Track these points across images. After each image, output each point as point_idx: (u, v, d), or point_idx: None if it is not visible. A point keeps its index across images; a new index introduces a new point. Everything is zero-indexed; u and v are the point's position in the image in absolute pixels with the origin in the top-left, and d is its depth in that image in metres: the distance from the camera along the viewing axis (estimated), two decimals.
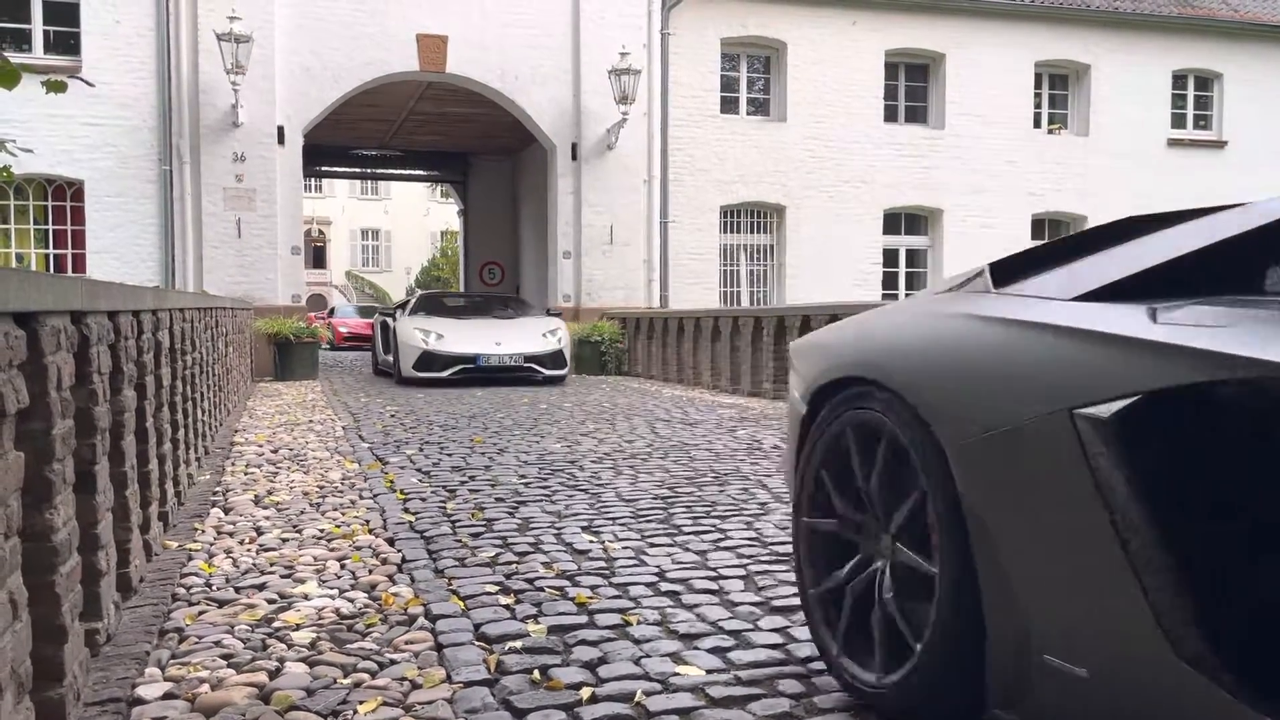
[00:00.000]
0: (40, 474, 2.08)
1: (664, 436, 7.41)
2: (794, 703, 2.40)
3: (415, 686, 2.51)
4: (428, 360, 12.54)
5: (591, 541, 4.02)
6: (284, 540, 4.11)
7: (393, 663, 2.67)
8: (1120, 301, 1.84)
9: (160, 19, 14.00)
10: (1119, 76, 19.05)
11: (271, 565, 3.70)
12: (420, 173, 27.15)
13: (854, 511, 2.39)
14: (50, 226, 14.36)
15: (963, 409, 2.00)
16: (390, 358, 13.89)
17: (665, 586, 3.37)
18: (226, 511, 4.69)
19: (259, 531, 4.27)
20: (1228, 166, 19.77)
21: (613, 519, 4.47)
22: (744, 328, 12.08)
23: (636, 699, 2.40)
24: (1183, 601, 1.55)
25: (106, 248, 14.10)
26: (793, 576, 3.48)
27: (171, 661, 2.67)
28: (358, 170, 27.53)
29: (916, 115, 18.60)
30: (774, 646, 2.78)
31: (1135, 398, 1.61)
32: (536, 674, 2.57)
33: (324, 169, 26.06)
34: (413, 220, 53.05)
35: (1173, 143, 19.61)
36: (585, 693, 2.44)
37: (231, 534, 4.22)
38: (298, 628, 2.96)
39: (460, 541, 4.03)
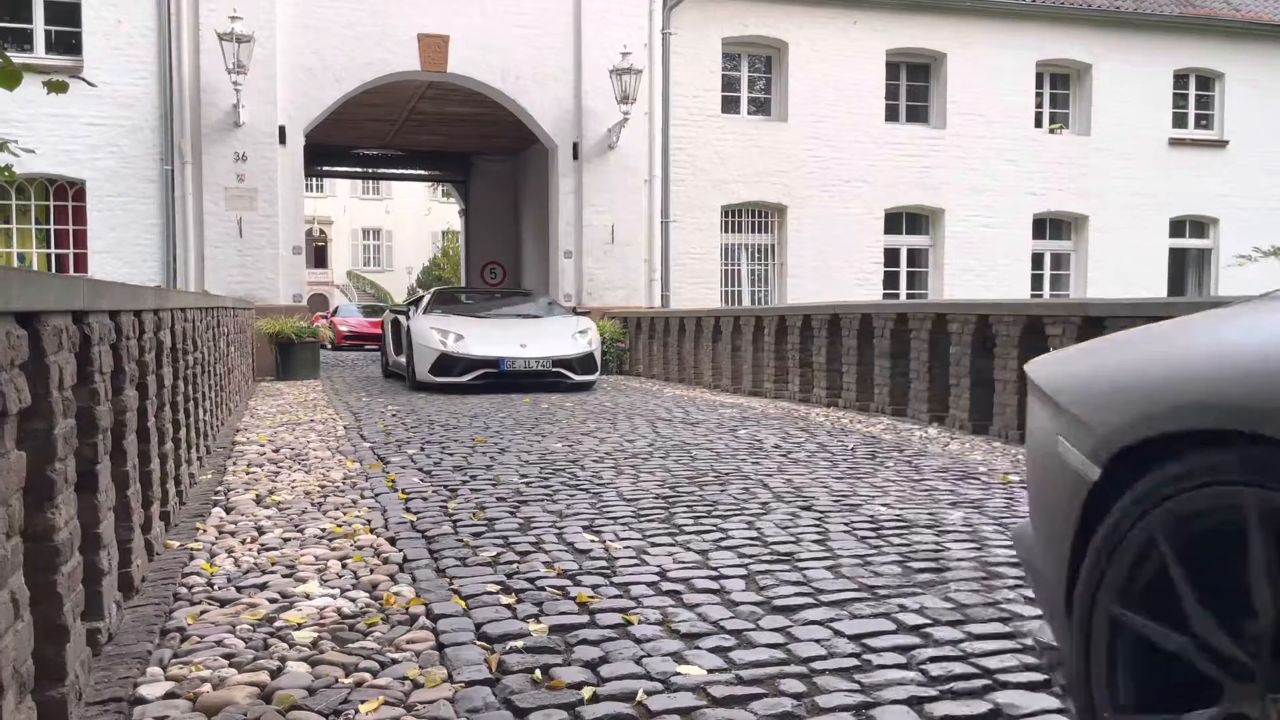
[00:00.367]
0: (42, 473, 2.08)
1: (665, 436, 7.41)
2: (795, 702, 2.40)
3: (417, 686, 2.51)
4: (446, 363, 11.42)
5: (593, 541, 4.02)
6: (285, 540, 4.11)
7: (394, 662, 2.67)
8: None
9: (161, 19, 14.00)
10: (1120, 76, 19.03)
11: (273, 565, 3.70)
12: (422, 172, 27.16)
13: (1224, 637, 1.43)
14: (52, 226, 14.37)
15: None
16: (402, 360, 12.83)
17: (666, 586, 3.37)
18: (228, 511, 4.69)
19: (260, 531, 4.27)
20: (1229, 166, 19.76)
21: (614, 518, 4.47)
22: (745, 327, 12.08)
23: (638, 698, 2.40)
24: None
25: (108, 247, 14.11)
26: (794, 576, 3.48)
27: (173, 661, 2.67)
28: (359, 170, 27.55)
29: (918, 115, 18.59)
30: (775, 646, 2.77)
31: None
32: (538, 673, 2.57)
33: (325, 169, 26.06)
34: (414, 220, 53.06)
35: (1174, 142, 19.59)
36: (586, 692, 2.44)
37: (233, 533, 4.22)
38: (299, 627, 2.96)
39: (461, 541, 4.03)
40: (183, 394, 4.76)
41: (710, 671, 2.58)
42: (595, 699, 2.41)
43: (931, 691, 2.45)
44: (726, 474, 5.69)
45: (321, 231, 51.01)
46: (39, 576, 2.04)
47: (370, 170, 27.69)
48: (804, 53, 17.52)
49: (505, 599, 3.21)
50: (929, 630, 2.90)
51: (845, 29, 17.67)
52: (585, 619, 3.02)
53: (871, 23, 17.77)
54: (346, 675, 2.58)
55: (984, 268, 18.55)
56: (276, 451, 6.67)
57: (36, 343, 2.04)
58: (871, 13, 17.74)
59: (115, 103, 13.91)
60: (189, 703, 2.40)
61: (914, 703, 2.39)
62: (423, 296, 13.93)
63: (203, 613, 3.10)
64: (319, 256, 50.23)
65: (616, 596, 3.25)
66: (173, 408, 4.33)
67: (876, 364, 9.50)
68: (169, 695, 2.44)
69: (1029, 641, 2.80)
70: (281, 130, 14.52)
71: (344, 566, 3.68)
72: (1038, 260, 19.29)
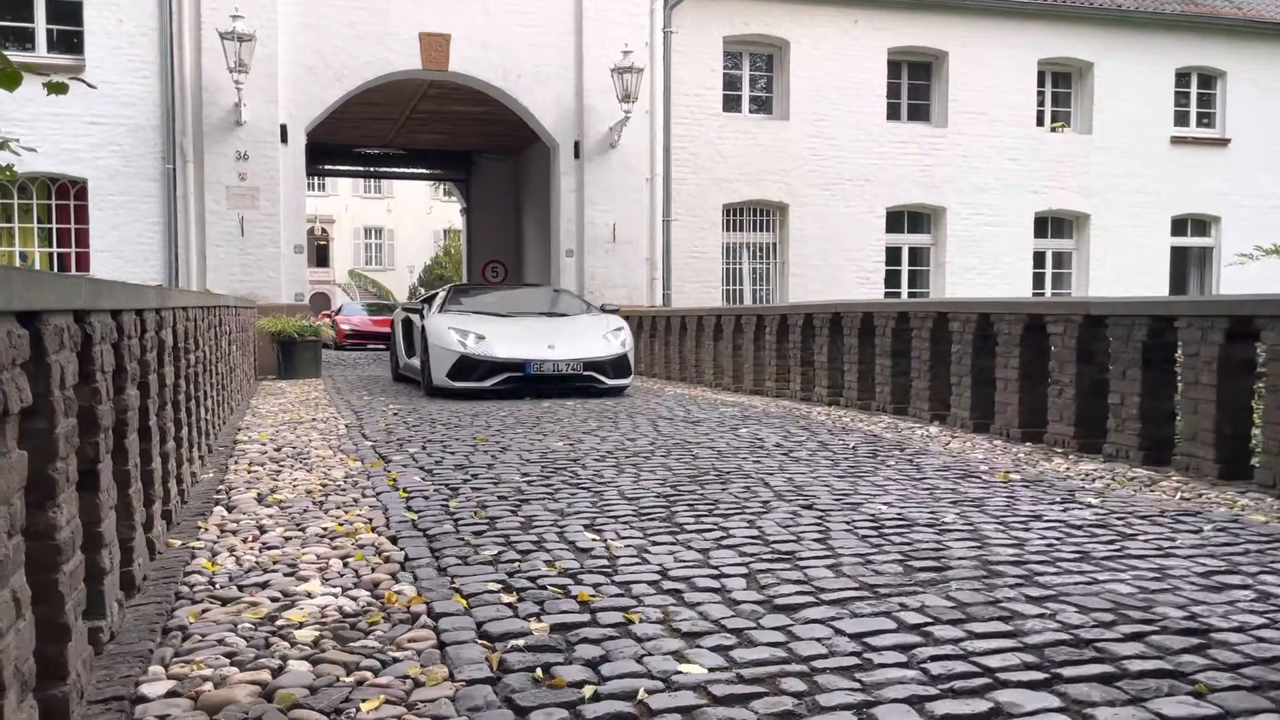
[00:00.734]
0: (43, 472, 2.09)
1: (666, 434, 7.42)
2: (796, 701, 2.40)
3: (418, 684, 2.51)
4: (466, 366, 10.41)
5: (594, 540, 4.02)
6: (287, 538, 4.12)
7: (395, 661, 2.68)
8: None
9: (163, 18, 14.01)
10: (1122, 74, 19.01)
11: (275, 563, 3.70)
12: (423, 171, 27.17)
13: None
14: (54, 225, 14.38)
15: None
16: (415, 362, 11.89)
17: (668, 585, 3.37)
18: (230, 510, 4.69)
19: (262, 530, 4.27)
20: (1231, 165, 19.74)
21: (615, 517, 4.47)
22: (746, 326, 12.07)
23: (639, 697, 2.40)
24: None
25: (110, 246, 14.12)
26: (795, 574, 3.49)
27: (175, 659, 2.68)
28: (361, 169, 27.59)
29: (919, 113, 18.59)
30: (776, 645, 2.78)
31: None
32: (539, 672, 2.57)
33: (327, 167, 26.08)
34: (416, 219, 53.07)
35: (1176, 141, 19.58)
36: (588, 691, 2.44)
37: (234, 532, 4.23)
38: (301, 626, 2.96)
39: (463, 540, 4.03)
40: (184, 393, 4.76)
41: (711, 670, 2.58)
42: (596, 698, 2.41)
43: (932, 690, 2.46)
44: (728, 472, 5.69)
45: (323, 230, 51.04)
46: (41, 575, 2.04)
47: (372, 169, 27.71)
48: (805, 51, 17.51)
49: (506, 598, 3.22)
50: (930, 629, 2.90)
51: (846, 27, 17.66)
52: (586, 618, 3.02)
53: (873, 21, 17.76)
54: (348, 674, 2.58)
55: (986, 266, 18.54)
56: (278, 450, 6.67)
57: (38, 342, 2.04)
58: (873, 11, 17.73)
59: (117, 101, 13.92)
60: (190, 701, 2.40)
61: (915, 701, 2.39)
62: (437, 293, 12.92)
63: (204, 611, 3.10)
64: (321, 255, 50.25)
65: (618, 595, 3.25)
66: (174, 406, 4.34)
67: (878, 362, 9.50)
68: (171, 694, 2.44)
69: (1030, 640, 2.80)
70: (283, 129, 14.53)
71: (345, 565, 3.68)
72: (1039, 259, 19.29)
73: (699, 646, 2.76)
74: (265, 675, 2.56)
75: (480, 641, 2.81)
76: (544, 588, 3.33)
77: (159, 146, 14.18)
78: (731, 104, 17.61)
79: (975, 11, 18.24)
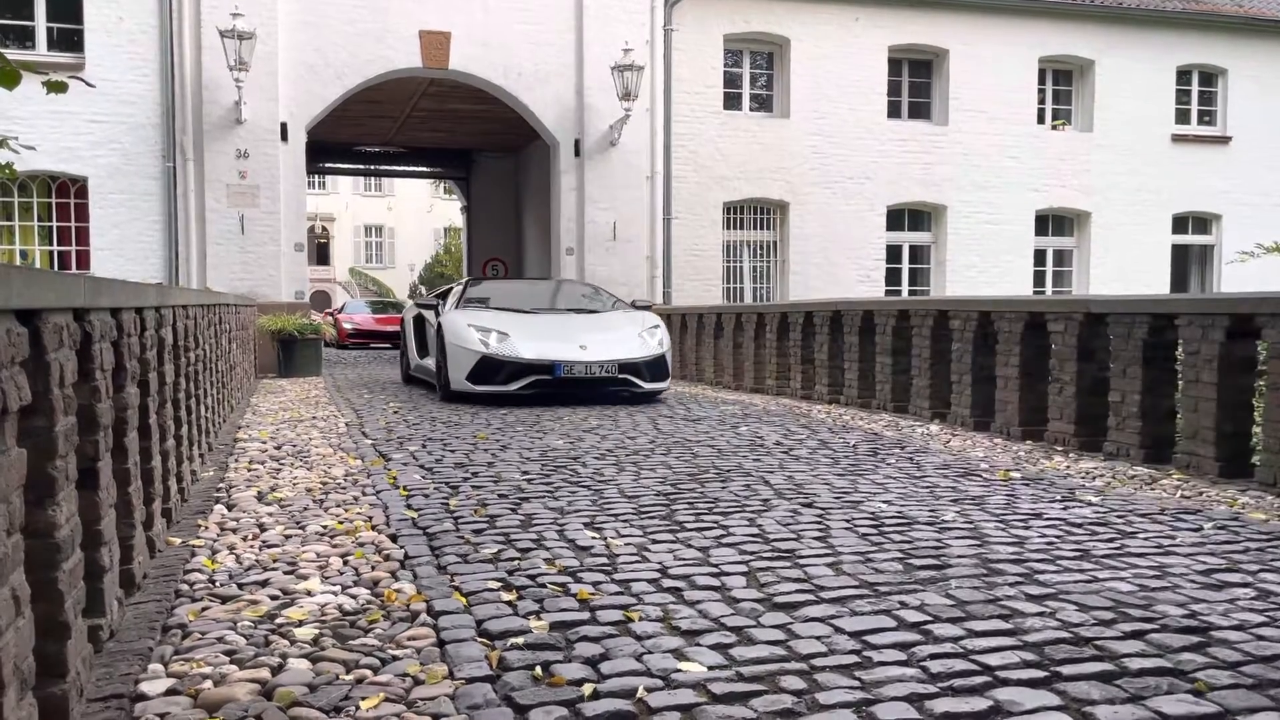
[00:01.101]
0: (43, 470, 2.09)
1: (666, 433, 7.42)
2: (796, 699, 2.40)
3: (418, 683, 2.51)
4: (488, 368, 9.47)
5: (594, 538, 4.02)
6: (287, 536, 4.12)
7: (395, 659, 2.68)
8: None
9: (163, 16, 14.01)
10: (1123, 72, 19.00)
11: (274, 561, 3.70)
12: (423, 169, 27.17)
13: None
14: (54, 223, 14.38)
15: None
16: (428, 363, 11.03)
17: (667, 583, 3.37)
18: (230, 508, 4.69)
19: (262, 528, 4.27)
20: (1232, 162, 19.73)
21: (615, 515, 4.47)
22: (747, 324, 12.08)
23: (638, 695, 2.40)
24: None
25: (110, 244, 14.12)
26: (795, 572, 3.49)
27: (174, 658, 2.68)
28: (361, 167, 27.58)
29: (920, 111, 18.58)
30: (776, 643, 2.78)
31: None
32: (538, 670, 2.57)
33: (327, 165, 26.08)
34: (416, 217, 53.09)
35: (1177, 138, 19.56)
36: (587, 689, 2.44)
37: (235, 530, 4.23)
38: (300, 624, 2.96)
39: (463, 538, 4.03)
40: (184, 391, 4.76)
41: (711, 668, 2.58)
42: (596, 696, 2.41)
43: (932, 688, 2.46)
44: (728, 471, 5.69)
45: (323, 228, 51.04)
46: (40, 573, 2.04)
47: (372, 167, 27.72)
48: (806, 49, 17.50)
49: (506, 596, 3.22)
50: (930, 627, 2.90)
51: (847, 25, 17.65)
52: (586, 616, 3.02)
53: (874, 19, 17.75)
54: (347, 672, 2.58)
55: (986, 264, 18.53)
56: (278, 448, 6.67)
57: (37, 340, 2.04)
58: (873, 9, 17.71)
59: (117, 100, 13.92)
60: (190, 699, 2.40)
61: (914, 700, 2.39)
62: (451, 287, 12.05)
63: (204, 609, 3.10)
64: (321, 253, 50.25)
65: (617, 593, 3.25)
66: (174, 405, 4.34)
67: (878, 361, 9.50)
68: (170, 692, 2.44)
69: (1030, 638, 2.80)
70: (283, 127, 14.52)
71: (345, 563, 3.68)
72: (1040, 257, 19.28)
73: (699, 644, 2.76)
74: (265, 673, 2.56)
75: (480, 639, 2.81)
76: (544, 586, 3.33)
77: (159, 144, 14.17)
78: (732, 102, 17.60)
79: (976, 9, 18.23)
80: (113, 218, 14.13)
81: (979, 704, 2.36)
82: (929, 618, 2.99)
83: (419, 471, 5.69)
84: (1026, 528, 4.27)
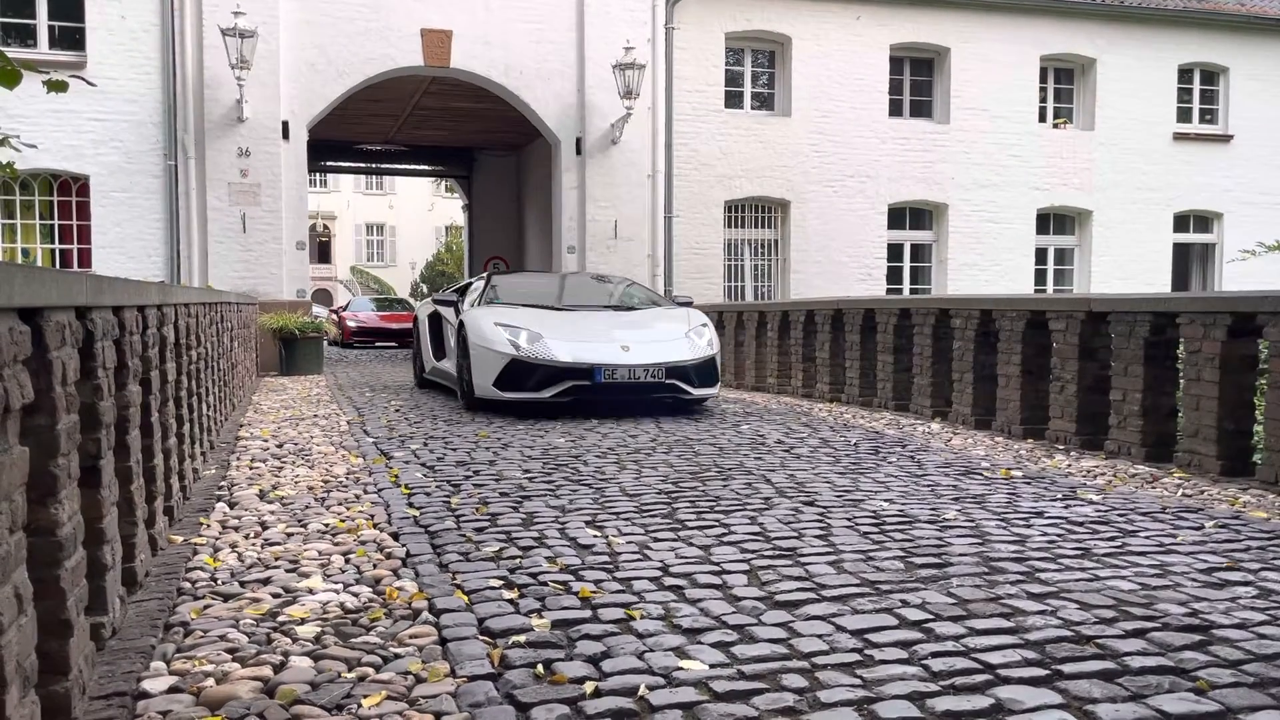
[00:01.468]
0: (45, 469, 2.09)
1: (668, 431, 7.42)
2: (798, 697, 2.40)
3: (419, 680, 2.51)
4: (518, 373, 8.40)
5: (595, 536, 4.02)
6: (289, 535, 4.12)
7: (397, 657, 2.68)
8: None
9: (165, 14, 14.00)
10: (1125, 70, 18.98)
11: (276, 560, 3.71)
12: (425, 168, 27.15)
13: None
14: (56, 222, 14.38)
15: None
16: (447, 366, 10.08)
17: (669, 581, 3.37)
18: (231, 506, 4.70)
19: (264, 526, 4.28)
20: (1233, 161, 19.71)
21: (617, 514, 4.47)
22: (748, 323, 12.07)
23: (640, 693, 2.40)
24: None
25: (112, 243, 14.12)
26: (796, 571, 3.49)
27: (176, 655, 2.68)
28: (362, 165, 27.55)
29: (922, 109, 18.56)
30: (777, 641, 2.78)
31: None
32: (540, 668, 2.57)
33: (329, 164, 26.06)
34: (417, 215, 53.11)
35: (1178, 137, 19.54)
36: (589, 687, 2.44)
37: (236, 528, 4.23)
38: (302, 622, 2.97)
39: (464, 536, 4.04)
40: (186, 389, 4.77)
41: (712, 666, 2.58)
42: (597, 694, 2.41)
43: (933, 686, 2.46)
44: (729, 469, 5.69)
45: (325, 227, 51.06)
46: (42, 571, 2.05)
47: (373, 165, 27.69)
48: (807, 47, 17.48)
49: (508, 594, 3.22)
50: (931, 625, 2.90)
51: (849, 23, 17.63)
52: (588, 614, 3.02)
53: (875, 17, 17.73)
54: (349, 670, 2.59)
55: (988, 262, 18.52)
56: (280, 447, 6.68)
57: (39, 338, 2.04)
58: (875, 7, 17.69)
59: (119, 98, 13.92)
60: (192, 697, 2.40)
61: (916, 698, 2.39)
62: (472, 282, 11.08)
63: (206, 607, 3.10)
64: (322, 252, 50.27)
65: (619, 592, 3.26)
66: (176, 403, 4.34)
67: (880, 359, 9.50)
68: (172, 690, 2.45)
69: (1031, 637, 2.80)
70: (285, 125, 14.52)
71: (347, 561, 3.69)
72: (1041, 255, 19.26)
73: (700, 643, 2.76)
74: (267, 671, 2.56)
75: (482, 638, 2.81)
76: (545, 584, 3.33)
77: (161, 143, 14.17)
78: (733, 100, 17.58)
79: (978, 7, 18.20)
80: (114, 216, 14.13)
81: (980, 702, 2.36)
82: (930, 616, 2.99)
83: (421, 470, 5.70)
84: (1028, 526, 4.27)
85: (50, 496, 2.11)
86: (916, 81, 18.53)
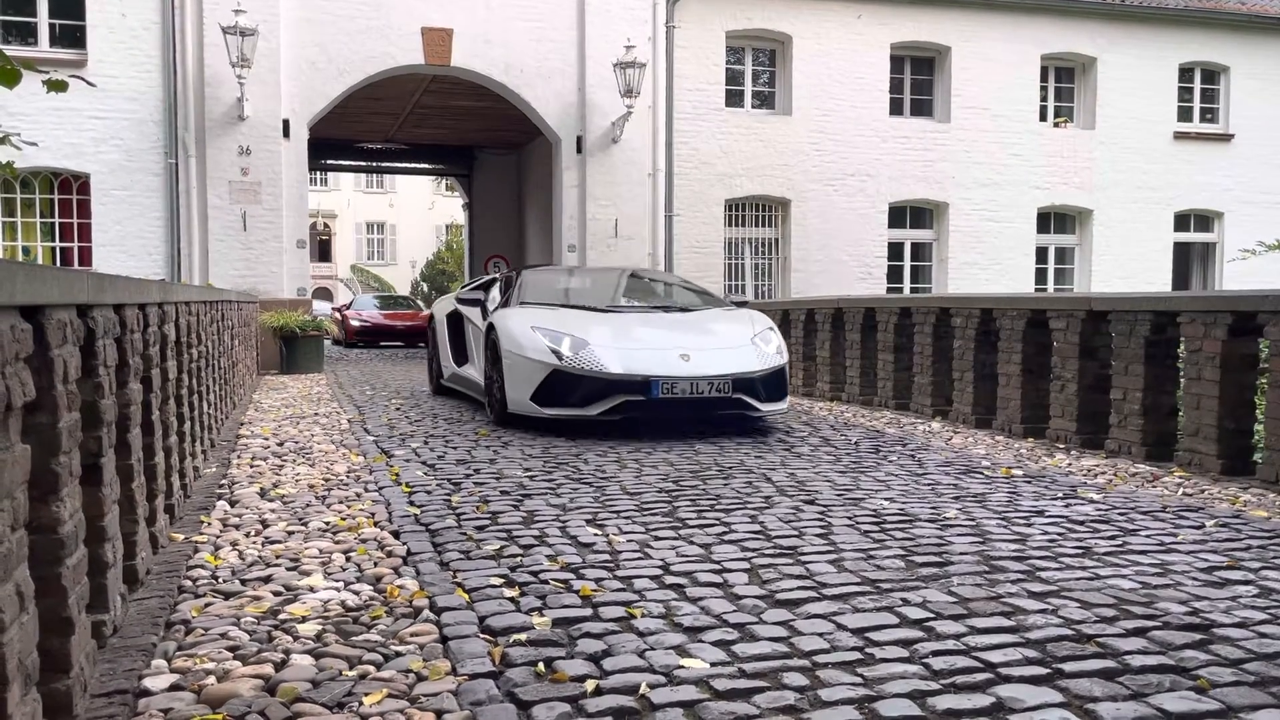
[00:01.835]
0: (47, 467, 2.09)
1: (668, 430, 7.41)
2: (798, 696, 2.40)
3: (420, 678, 2.52)
4: (562, 385, 7.17)
5: (596, 535, 4.02)
6: (290, 533, 4.12)
7: (398, 655, 2.68)
8: None
9: (166, 13, 14.00)
10: (1125, 69, 18.97)
11: (277, 558, 3.71)
12: (425, 166, 27.14)
13: None
14: (56, 220, 14.38)
15: None
16: (470, 373, 8.99)
17: (670, 580, 3.38)
18: (232, 504, 4.70)
19: (265, 524, 4.28)
20: (1234, 160, 19.70)
21: (617, 512, 4.47)
22: None
23: (641, 691, 2.41)
24: None
25: (112, 241, 14.12)
26: (797, 569, 3.49)
27: (178, 653, 2.68)
28: (363, 164, 27.53)
29: (922, 108, 18.55)
30: (778, 640, 2.78)
31: None
32: (541, 666, 2.57)
33: (329, 162, 26.03)
34: (418, 214, 53.08)
35: (1179, 136, 19.53)
36: (590, 685, 2.44)
37: (237, 527, 4.23)
38: (303, 620, 2.97)
39: (465, 534, 4.04)
40: (187, 387, 4.77)
41: (713, 665, 2.58)
42: (598, 692, 2.41)
43: (934, 685, 2.46)
44: (730, 468, 5.69)
45: (325, 225, 51.04)
46: (44, 569, 2.05)
47: (374, 164, 27.66)
48: (808, 46, 17.47)
49: (509, 592, 3.22)
50: (932, 624, 2.90)
51: (850, 22, 17.62)
52: (588, 612, 3.02)
53: (876, 16, 17.72)
54: (350, 668, 2.59)
55: (988, 261, 18.52)
56: (280, 445, 6.68)
57: (41, 336, 2.04)
58: (876, 6, 17.68)
59: (120, 96, 13.92)
60: (193, 695, 2.41)
61: (916, 696, 2.39)
62: (494, 278, 9.84)
63: (207, 605, 3.11)
64: (323, 250, 50.25)
65: (620, 590, 3.26)
66: (177, 401, 4.34)
67: (880, 358, 9.50)
68: (174, 687, 2.45)
69: (1032, 635, 2.80)
70: (285, 124, 14.52)
71: (348, 559, 3.69)
72: (1042, 254, 19.25)
73: (701, 641, 2.76)
74: (268, 669, 2.56)
75: (483, 636, 2.81)
76: (546, 582, 3.34)
77: (161, 141, 14.17)
78: (734, 99, 17.58)
79: (978, 6, 18.20)
80: (115, 214, 14.13)
81: (981, 700, 2.36)
82: (931, 615, 2.99)
83: (421, 468, 5.70)
84: (1028, 525, 4.27)
85: (52, 494, 2.11)
86: (917, 80, 18.53)
